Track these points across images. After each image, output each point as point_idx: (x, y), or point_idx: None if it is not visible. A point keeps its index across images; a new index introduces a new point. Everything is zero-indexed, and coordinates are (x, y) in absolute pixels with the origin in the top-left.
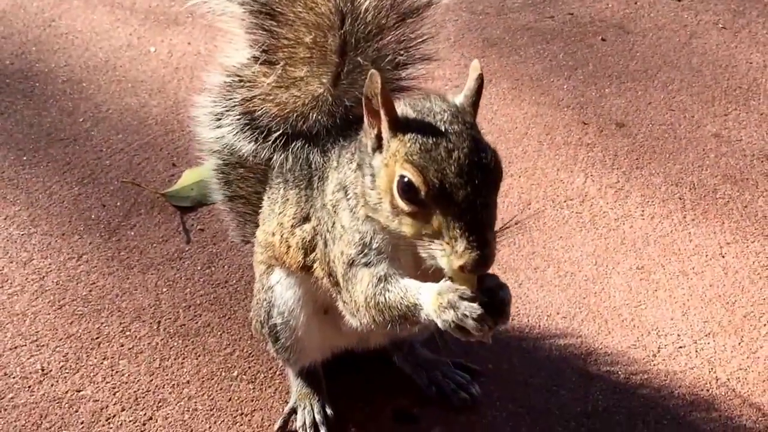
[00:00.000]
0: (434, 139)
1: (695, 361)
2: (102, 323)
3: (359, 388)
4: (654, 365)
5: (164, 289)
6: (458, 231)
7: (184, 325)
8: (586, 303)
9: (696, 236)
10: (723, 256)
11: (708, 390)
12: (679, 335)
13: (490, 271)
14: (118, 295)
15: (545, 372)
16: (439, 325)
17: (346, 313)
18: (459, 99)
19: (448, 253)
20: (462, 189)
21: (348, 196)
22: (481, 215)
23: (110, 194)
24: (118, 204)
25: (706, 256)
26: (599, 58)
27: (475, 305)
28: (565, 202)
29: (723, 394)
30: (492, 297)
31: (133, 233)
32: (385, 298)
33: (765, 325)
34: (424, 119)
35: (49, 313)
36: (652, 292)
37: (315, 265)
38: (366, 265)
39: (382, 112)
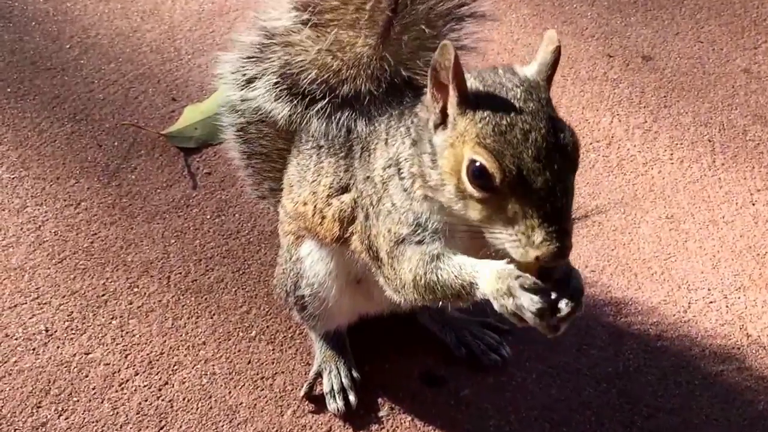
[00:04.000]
0: (508, 120)
1: (726, 317)
2: (107, 278)
3: (384, 348)
4: (684, 322)
5: (172, 240)
6: (536, 220)
7: (196, 280)
8: (615, 255)
9: (726, 182)
10: (753, 204)
11: (739, 348)
12: (709, 290)
13: None
14: (122, 247)
15: (575, 330)
16: (496, 308)
17: (389, 289)
18: (530, 72)
19: (523, 243)
20: (541, 175)
21: (402, 175)
22: (561, 203)
23: (106, 132)
24: (116, 144)
25: (737, 204)
26: None
27: (536, 297)
28: (591, 144)
29: (754, 352)
30: (562, 287)
31: (134, 177)
32: (437, 276)
33: None
34: (496, 96)
35: (49, 268)
36: (682, 243)
37: (353, 238)
38: (418, 243)
39: (451, 87)
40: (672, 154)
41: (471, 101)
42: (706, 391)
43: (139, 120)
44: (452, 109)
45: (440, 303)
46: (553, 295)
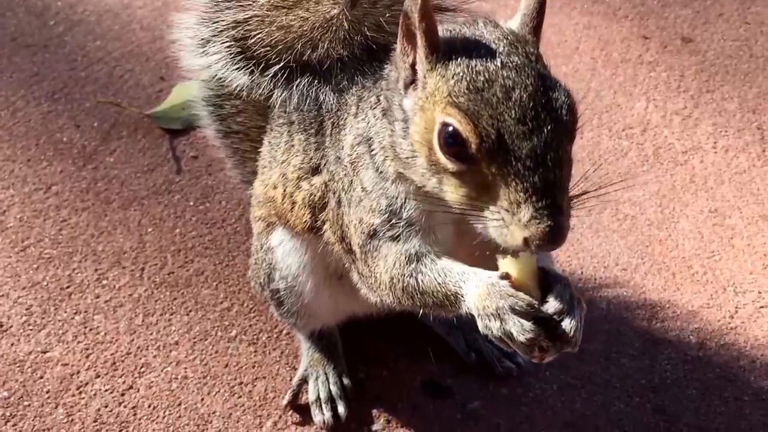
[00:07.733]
0: (487, 75)
1: None
2: (74, 269)
3: (381, 352)
4: (731, 329)
5: (149, 229)
6: (522, 194)
7: (173, 272)
8: (650, 252)
9: None
10: None
11: None
12: (759, 292)
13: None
14: (93, 235)
15: (603, 336)
16: (480, 328)
17: (364, 287)
18: (514, 23)
19: (507, 222)
20: (526, 140)
21: (373, 151)
22: (553, 175)
23: (86, 112)
24: (95, 125)
25: None
26: None
27: (527, 324)
28: (623, 131)
29: None
30: (561, 310)
31: (112, 160)
32: (418, 282)
33: None
34: (473, 48)
35: (10, 256)
36: (728, 240)
37: (325, 227)
38: (392, 238)
39: (418, 35)
40: (716, 143)
41: (443, 54)
42: (757, 408)
43: (123, 99)
44: (422, 63)
45: (421, 311)
46: (551, 309)
